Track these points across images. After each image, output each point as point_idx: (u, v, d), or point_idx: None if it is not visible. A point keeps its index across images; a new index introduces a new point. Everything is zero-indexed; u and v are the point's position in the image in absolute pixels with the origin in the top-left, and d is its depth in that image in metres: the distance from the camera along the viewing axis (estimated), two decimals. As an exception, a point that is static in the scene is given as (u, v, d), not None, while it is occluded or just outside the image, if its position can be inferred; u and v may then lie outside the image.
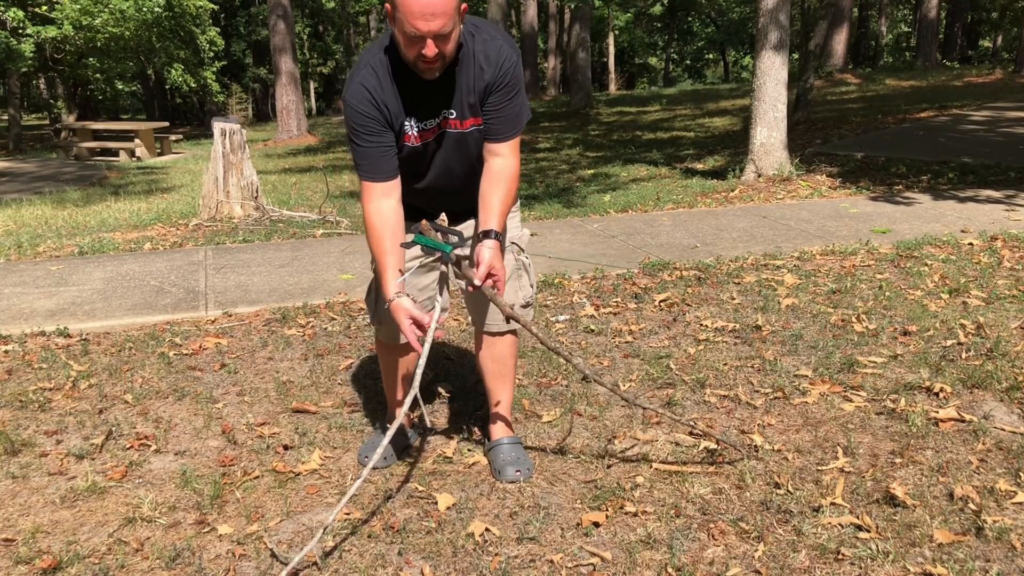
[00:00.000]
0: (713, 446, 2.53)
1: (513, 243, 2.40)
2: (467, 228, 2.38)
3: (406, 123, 2.16)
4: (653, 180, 8.38)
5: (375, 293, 2.41)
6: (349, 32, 34.66)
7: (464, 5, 2.03)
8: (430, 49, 1.95)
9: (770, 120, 7.64)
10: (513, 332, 2.45)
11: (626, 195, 7.45)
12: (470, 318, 2.54)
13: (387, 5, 2.00)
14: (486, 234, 2.13)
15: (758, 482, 2.34)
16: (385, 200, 2.16)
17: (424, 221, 2.16)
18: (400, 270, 2.14)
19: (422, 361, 2.12)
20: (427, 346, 2.14)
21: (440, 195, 2.32)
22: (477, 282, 2.09)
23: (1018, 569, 1.93)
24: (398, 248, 2.14)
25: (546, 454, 2.55)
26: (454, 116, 2.17)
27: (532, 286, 2.45)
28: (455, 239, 2.17)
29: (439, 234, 2.17)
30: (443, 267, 2.23)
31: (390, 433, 2.03)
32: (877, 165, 8.20)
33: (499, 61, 2.13)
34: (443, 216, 2.28)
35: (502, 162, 2.20)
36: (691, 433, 2.61)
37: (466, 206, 2.35)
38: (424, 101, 2.14)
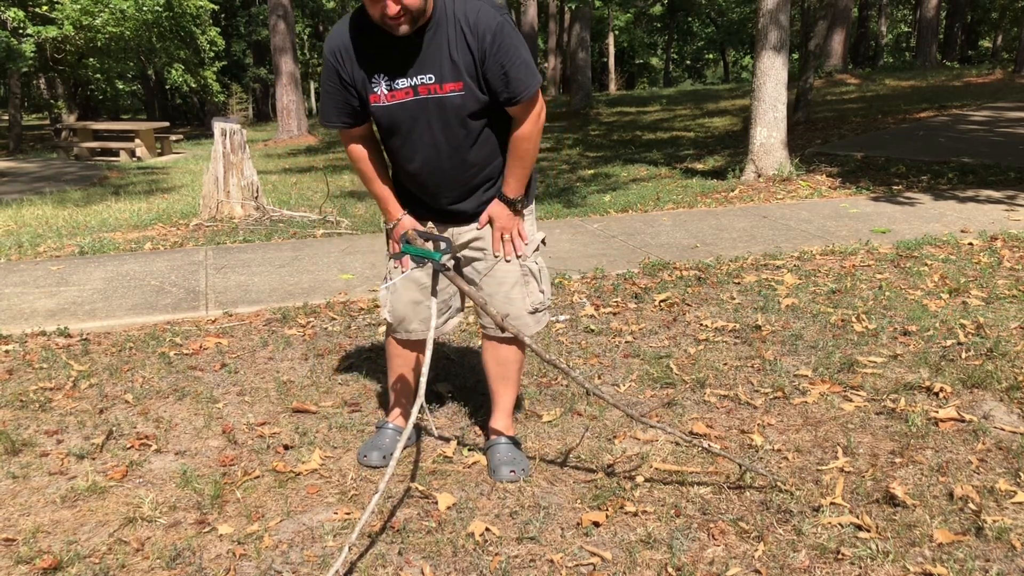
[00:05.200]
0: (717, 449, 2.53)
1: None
2: (463, 235, 2.35)
3: (374, 80, 2.16)
4: (653, 180, 8.38)
5: (389, 290, 2.39)
6: (349, 32, 34.63)
7: None
8: (391, 8, 1.98)
9: (770, 120, 7.64)
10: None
11: (626, 195, 7.45)
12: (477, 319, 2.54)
13: None
14: (503, 197, 2.29)
15: (758, 482, 2.34)
16: (356, 141, 2.32)
17: (411, 231, 2.16)
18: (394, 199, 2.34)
19: (425, 369, 2.12)
20: (428, 351, 2.14)
21: (433, 177, 2.26)
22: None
23: (1018, 569, 1.93)
24: (386, 176, 2.35)
25: (546, 454, 2.55)
26: (432, 80, 2.13)
27: (543, 292, 2.40)
28: (443, 246, 2.17)
29: (428, 242, 2.17)
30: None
31: (400, 444, 2.02)
32: (877, 165, 8.20)
33: (482, 29, 2.08)
34: (430, 224, 2.27)
35: (522, 129, 2.22)
36: (708, 451, 2.50)
37: (462, 196, 2.30)
38: (396, 60, 2.14)
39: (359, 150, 2.32)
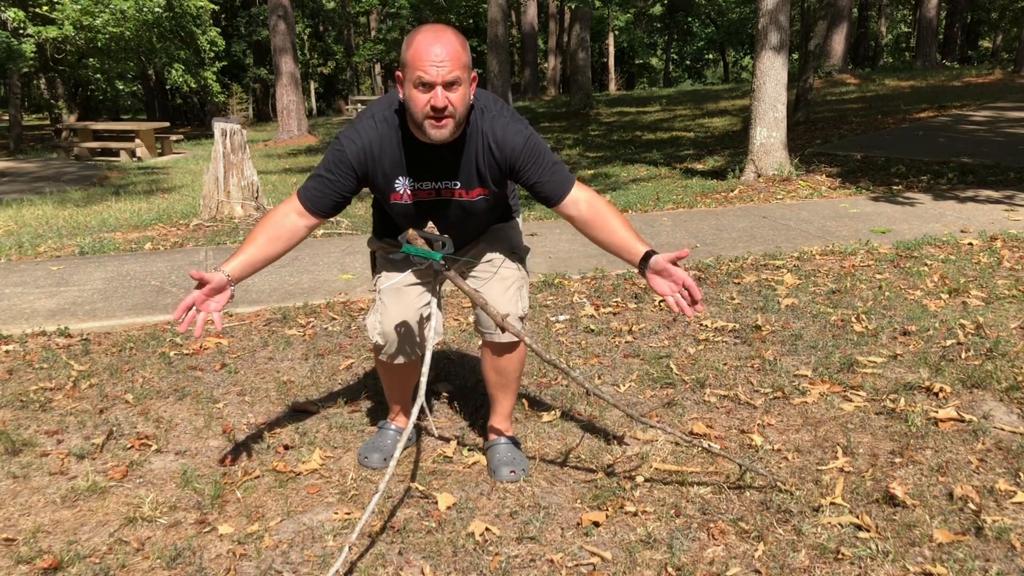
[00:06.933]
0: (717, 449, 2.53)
1: (515, 253, 2.42)
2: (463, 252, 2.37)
3: (397, 181, 2.16)
4: (653, 180, 8.38)
5: (379, 313, 2.37)
6: (349, 32, 34.68)
7: (474, 74, 2.04)
8: (439, 99, 1.94)
9: (770, 120, 7.65)
10: (518, 344, 2.41)
11: (626, 195, 7.45)
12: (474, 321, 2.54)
13: (398, 72, 2.03)
14: (649, 255, 2.12)
15: (758, 482, 2.34)
16: (296, 217, 2.15)
17: (411, 230, 2.16)
18: (246, 264, 2.11)
19: (425, 369, 2.12)
20: (428, 357, 2.14)
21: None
22: None
23: (1018, 569, 1.93)
24: (266, 254, 2.13)
25: (546, 454, 2.55)
26: (459, 186, 2.17)
27: (525, 301, 2.44)
28: (444, 246, 2.17)
29: (427, 243, 2.17)
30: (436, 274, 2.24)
31: (400, 445, 2.02)
32: (877, 165, 8.20)
33: (510, 147, 2.11)
34: (430, 224, 2.26)
35: (585, 204, 2.16)
36: (707, 451, 2.50)
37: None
38: (423, 166, 2.14)
39: (287, 225, 2.14)
